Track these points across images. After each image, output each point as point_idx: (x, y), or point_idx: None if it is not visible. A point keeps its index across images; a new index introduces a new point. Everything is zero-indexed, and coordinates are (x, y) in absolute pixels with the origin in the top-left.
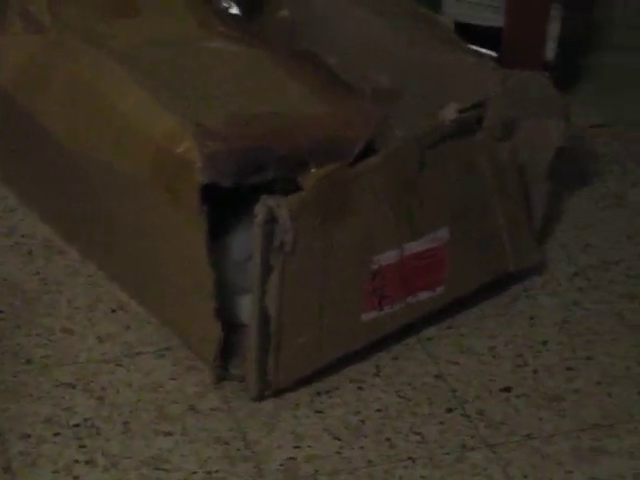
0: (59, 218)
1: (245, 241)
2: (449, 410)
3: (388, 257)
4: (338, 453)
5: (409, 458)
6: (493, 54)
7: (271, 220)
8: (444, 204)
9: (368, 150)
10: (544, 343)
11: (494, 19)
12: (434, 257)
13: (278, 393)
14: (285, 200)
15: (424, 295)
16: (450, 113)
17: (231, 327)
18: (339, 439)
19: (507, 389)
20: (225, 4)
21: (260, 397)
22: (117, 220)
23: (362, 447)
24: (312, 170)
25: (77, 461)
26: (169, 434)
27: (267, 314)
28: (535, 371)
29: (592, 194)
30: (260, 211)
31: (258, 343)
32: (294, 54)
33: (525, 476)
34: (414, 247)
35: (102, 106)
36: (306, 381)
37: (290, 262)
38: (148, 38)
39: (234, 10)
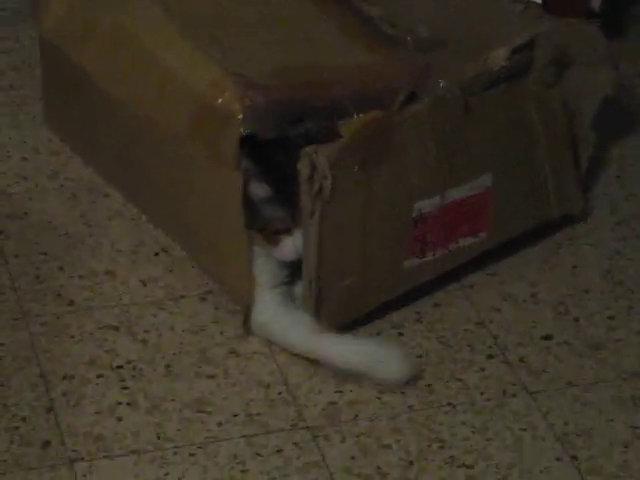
0: (103, 162)
1: None
2: (490, 357)
3: (430, 204)
4: (378, 398)
5: (449, 404)
6: (539, 1)
7: (312, 168)
8: (489, 151)
9: (411, 100)
10: (586, 291)
11: None
12: (476, 204)
13: None
14: (323, 148)
15: (466, 241)
16: (501, 58)
17: None
18: (380, 384)
19: (548, 337)
20: None
21: None
22: (155, 168)
23: (403, 392)
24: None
25: (120, 403)
26: (211, 377)
27: None
28: (577, 319)
29: (637, 144)
30: (303, 165)
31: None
32: (339, 6)
33: (566, 423)
34: (456, 194)
35: (144, 56)
36: (348, 326)
37: (329, 208)
38: None
39: None
